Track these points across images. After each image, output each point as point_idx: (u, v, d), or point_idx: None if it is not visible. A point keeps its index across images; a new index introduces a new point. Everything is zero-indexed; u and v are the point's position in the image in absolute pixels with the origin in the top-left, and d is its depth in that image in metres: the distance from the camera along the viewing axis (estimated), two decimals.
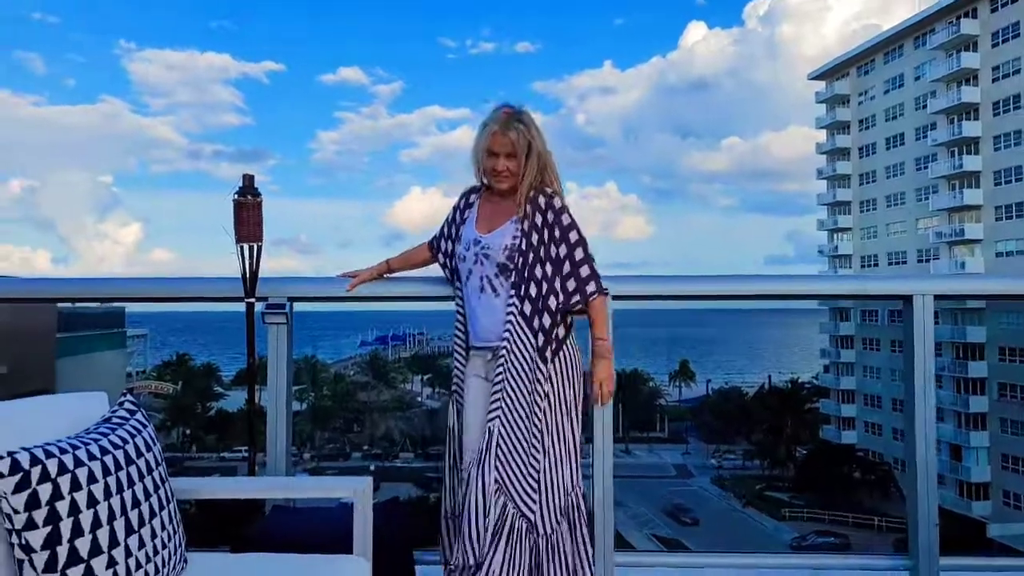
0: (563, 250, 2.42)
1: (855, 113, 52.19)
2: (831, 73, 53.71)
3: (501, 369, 2.35)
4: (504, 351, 2.36)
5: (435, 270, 2.81)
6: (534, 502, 2.34)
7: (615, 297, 2.78)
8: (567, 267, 2.41)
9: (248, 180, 2.80)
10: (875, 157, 50.86)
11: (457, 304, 2.59)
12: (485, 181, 2.55)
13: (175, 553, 1.82)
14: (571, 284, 2.40)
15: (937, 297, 2.91)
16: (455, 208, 2.67)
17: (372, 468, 40.21)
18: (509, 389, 2.35)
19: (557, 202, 2.45)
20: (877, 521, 35.14)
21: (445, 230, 2.69)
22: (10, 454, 1.47)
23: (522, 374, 2.36)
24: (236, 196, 2.77)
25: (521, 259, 2.40)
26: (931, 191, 46.47)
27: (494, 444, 2.33)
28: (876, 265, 50.36)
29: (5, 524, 1.49)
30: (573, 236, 2.43)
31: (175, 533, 1.84)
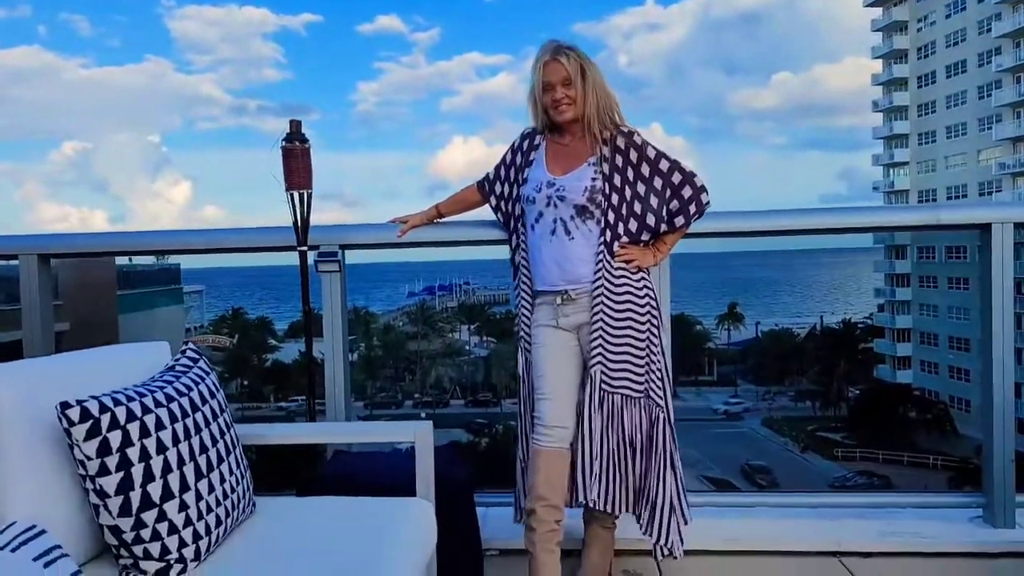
0: (658, 182, 2.40)
1: (913, 40, 49.89)
2: None
3: (598, 310, 2.34)
4: (599, 291, 2.34)
5: (486, 213, 2.74)
6: (662, 393, 2.40)
7: None
8: (668, 192, 2.40)
9: (295, 126, 2.76)
10: (934, 86, 48.74)
11: (521, 249, 2.50)
12: (545, 123, 2.47)
13: (243, 497, 1.84)
14: (674, 205, 2.41)
15: (1017, 226, 2.76)
16: (515, 149, 2.58)
17: (423, 415, 41.11)
18: (607, 329, 2.34)
19: (638, 139, 2.42)
20: (932, 460, 34.70)
21: (502, 172, 2.61)
22: (79, 403, 1.48)
23: (616, 309, 2.35)
24: (283, 143, 2.74)
25: (606, 200, 2.36)
26: (994, 120, 44.45)
27: (596, 393, 2.34)
28: (935, 200, 48.67)
29: (79, 471, 1.52)
30: (664, 164, 2.41)
31: (243, 478, 1.86)
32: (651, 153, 2.41)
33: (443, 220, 2.82)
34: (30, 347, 2.89)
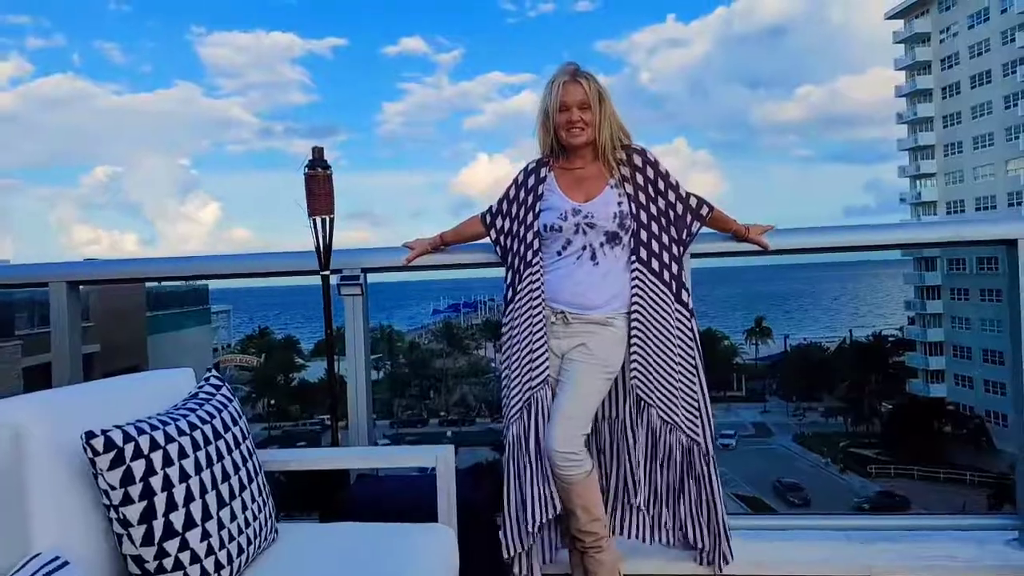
0: (671, 195, 2.49)
1: (936, 51, 49.36)
2: (910, 11, 50.82)
3: (636, 330, 2.39)
4: (637, 313, 2.39)
5: None
6: (697, 427, 2.47)
7: (693, 255, 2.69)
8: (680, 207, 2.49)
9: (318, 152, 2.79)
10: (959, 97, 48.10)
11: (531, 274, 2.45)
12: (552, 147, 2.49)
13: (266, 524, 1.85)
14: (688, 217, 2.51)
15: None
16: (519, 184, 2.57)
17: (449, 433, 41.02)
18: (650, 346, 2.41)
19: (651, 156, 2.49)
20: (969, 476, 33.95)
21: (504, 207, 2.61)
22: (104, 432, 1.50)
23: (664, 329, 2.42)
24: (306, 170, 2.77)
25: (635, 223, 2.41)
26: (1021, 130, 43.72)
27: (639, 404, 2.45)
28: (963, 211, 47.92)
29: (103, 500, 1.53)
30: (673, 179, 2.50)
31: (265, 505, 1.87)
32: (663, 170, 2.48)
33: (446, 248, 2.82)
34: (59, 372, 2.94)
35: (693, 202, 2.51)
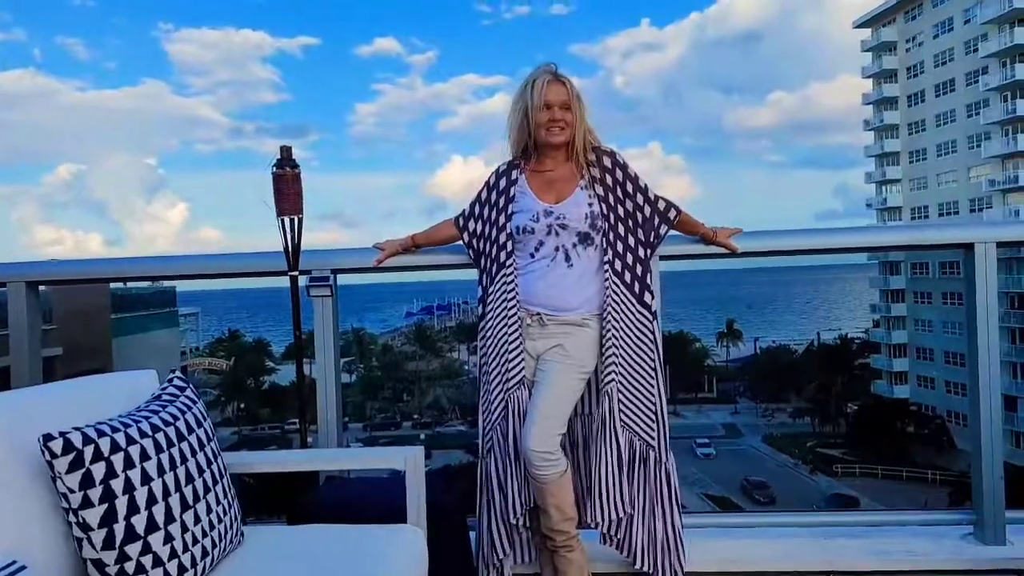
0: (639, 198, 2.49)
1: (903, 60, 50.35)
2: (877, 19, 51.76)
3: (611, 334, 2.39)
4: (610, 315, 2.39)
5: None
6: (654, 432, 2.48)
7: (662, 258, 2.72)
8: (647, 210, 2.50)
9: (286, 152, 2.76)
10: (924, 105, 49.09)
11: (506, 275, 2.46)
12: (524, 150, 2.50)
13: (231, 527, 1.83)
14: (656, 220, 2.51)
15: (999, 244, 2.78)
16: (490, 187, 2.57)
17: (422, 436, 40.83)
18: (620, 349, 2.40)
19: (620, 158, 2.51)
20: (930, 475, 34.61)
21: (476, 209, 2.61)
22: (62, 434, 1.48)
23: (629, 332, 2.43)
24: (274, 169, 2.75)
25: (605, 223, 2.43)
26: (983, 138, 44.74)
27: (616, 408, 2.41)
28: (927, 216, 48.88)
29: (62, 503, 1.50)
30: (642, 182, 2.51)
31: (230, 507, 1.85)
32: (632, 172, 2.49)
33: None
34: (17, 375, 2.88)
35: (661, 205, 2.51)
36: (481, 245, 2.58)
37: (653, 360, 2.47)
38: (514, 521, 2.42)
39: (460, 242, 2.67)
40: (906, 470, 35.44)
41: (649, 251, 2.51)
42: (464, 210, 2.66)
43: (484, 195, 2.59)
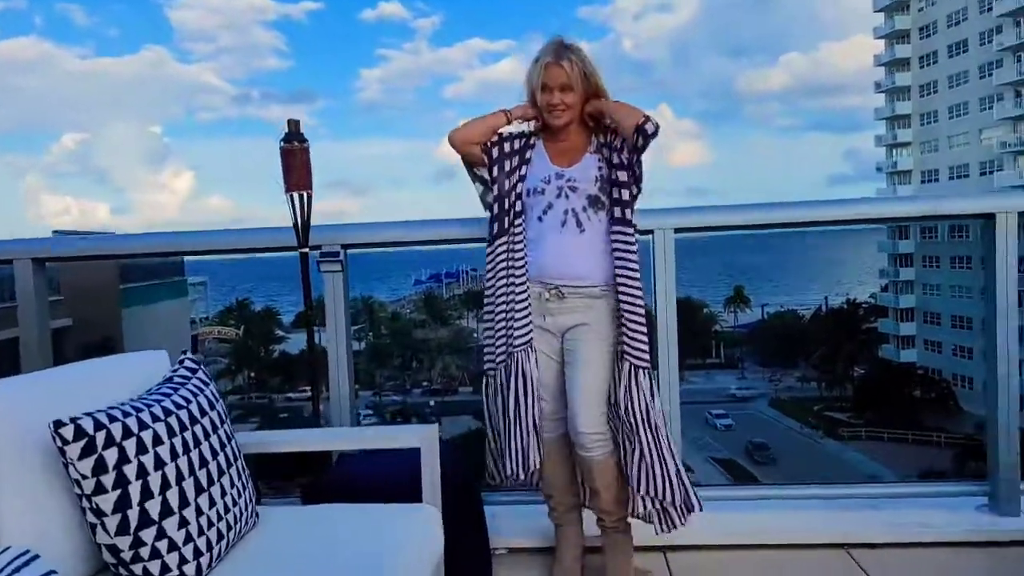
0: (637, 170, 2.37)
1: (915, 20, 49.42)
2: None
3: (625, 299, 2.31)
4: (622, 280, 2.31)
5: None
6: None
7: (678, 231, 2.69)
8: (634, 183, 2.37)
9: (293, 126, 2.72)
10: (936, 66, 48.30)
11: (514, 241, 2.41)
12: (536, 125, 2.48)
13: (246, 509, 1.83)
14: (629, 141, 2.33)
15: (1022, 214, 2.74)
16: (512, 138, 2.49)
17: (432, 403, 41.16)
18: (633, 324, 2.32)
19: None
20: (936, 437, 34.75)
21: (501, 148, 2.49)
22: (73, 420, 1.46)
23: (638, 302, 2.34)
24: (282, 143, 2.71)
25: (610, 188, 2.37)
26: (996, 100, 44.09)
27: (635, 379, 2.31)
28: (937, 180, 48.43)
29: (75, 490, 1.49)
30: (639, 168, 2.40)
31: (244, 489, 1.84)
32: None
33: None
34: (27, 353, 2.87)
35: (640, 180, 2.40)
36: (496, 191, 2.48)
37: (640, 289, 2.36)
38: (511, 469, 2.39)
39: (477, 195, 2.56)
40: (912, 433, 35.54)
41: (633, 190, 2.38)
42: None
43: (507, 147, 2.49)
